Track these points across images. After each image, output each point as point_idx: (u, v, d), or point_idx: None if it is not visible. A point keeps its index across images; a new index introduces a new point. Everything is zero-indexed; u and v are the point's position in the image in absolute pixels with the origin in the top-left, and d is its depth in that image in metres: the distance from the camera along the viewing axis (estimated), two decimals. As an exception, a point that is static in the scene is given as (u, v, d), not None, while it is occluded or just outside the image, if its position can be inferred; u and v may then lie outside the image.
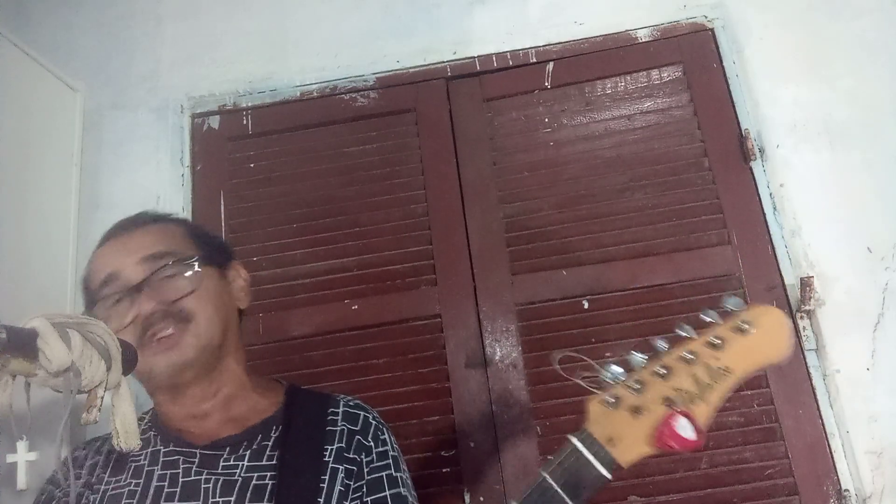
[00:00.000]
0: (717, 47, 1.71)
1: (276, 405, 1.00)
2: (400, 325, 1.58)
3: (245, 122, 1.79)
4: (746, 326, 0.74)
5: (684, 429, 0.69)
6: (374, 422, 1.00)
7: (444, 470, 1.48)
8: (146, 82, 1.85)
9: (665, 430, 0.70)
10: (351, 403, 1.02)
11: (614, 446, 0.71)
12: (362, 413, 1.00)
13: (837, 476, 1.40)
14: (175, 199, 1.72)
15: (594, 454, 0.71)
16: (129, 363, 0.75)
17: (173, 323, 0.91)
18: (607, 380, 0.74)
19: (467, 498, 1.45)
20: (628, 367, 0.74)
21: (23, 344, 0.62)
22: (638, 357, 0.74)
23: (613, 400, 0.73)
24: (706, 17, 1.74)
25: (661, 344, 0.74)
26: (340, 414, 0.99)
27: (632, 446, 0.71)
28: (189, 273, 0.95)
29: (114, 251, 0.96)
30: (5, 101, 1.52)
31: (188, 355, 0.92)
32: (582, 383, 0.76)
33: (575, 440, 0.72)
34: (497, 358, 1.54)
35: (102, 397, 0.71)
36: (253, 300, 1.61)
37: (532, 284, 1.58)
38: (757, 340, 0.74)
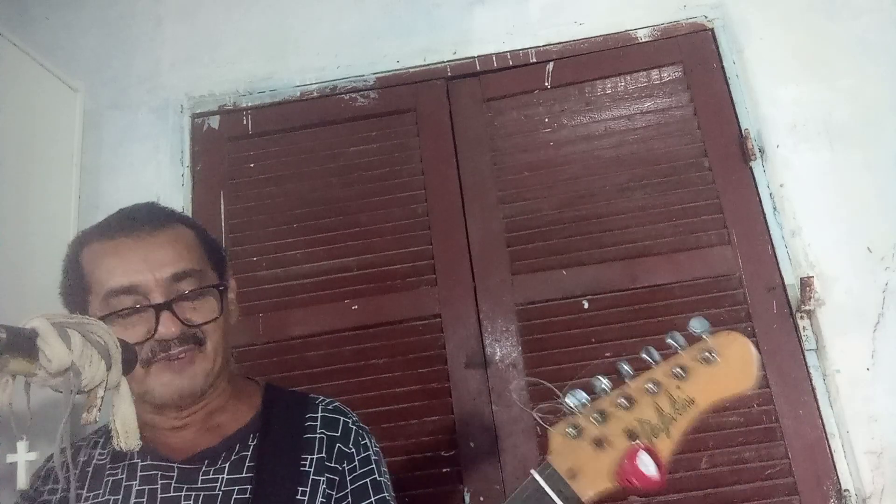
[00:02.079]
0: (717, 47, 1.71)
1: (254, 410, 0.97)
2: (400, 325, 1.58)
3: (245, 122, 1.79)
4: (711, 355, 0.71)
5: (646, 466, 0.68)
6: (353, 427, 0.97)
7: (444, 470, 1.48)
8: (146, 82, 1.86)
9: (627, 466, 0.68)
10: (329, 407, 0.99)
11: (576, 480, 0.69)
12: (342, 418, 0.98)
13: (837, 476, 1.40)
14: (175, 199, 1.72)
15: (555, 489, 0.69)
16: (129, 363, 0.75)
17: (189, 346, 0.89)
18: (569, 408, 0.72)
19: (467, 498, 1.45)
20: (592, 393, 0.72)
21: (23, 344, 0.62)
22: (602, 382, 0.72)
23: (575, 431, 0.71)
24: (706, 17, 1.74)
25: (625, 369, 0.72)
26: (319, 420, 0.96)
27: (593, 480, 0.69)
28: (213, 300, 0.93)
29: (133, 259, 0.89)
30: (5, 101, 1.52)
31: (198, 382, 0.90)
32: (537, 417, 0.73)
33: (536, 475, 0.70)
34: (497, 358, 1.54)
35: (102, 397, 0.71)
36: (253, 300, 1.64)
37: (532, 284, 1.58)
38: (722, 370, 0.71)
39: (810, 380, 1.45)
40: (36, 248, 1.53)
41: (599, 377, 0.72)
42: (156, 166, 1.77)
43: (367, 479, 0.93)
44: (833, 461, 1.41)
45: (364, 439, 0.97)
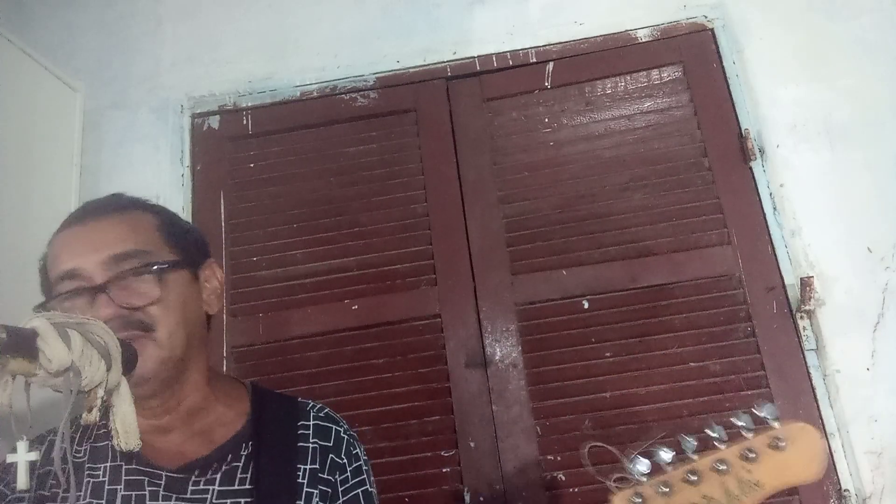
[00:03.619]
0: (717, 47, 1.71)
1: (243, 416, 0.94)
2: (400, 325, 1.58)
3: (245, 122, 1.79)
4: (782, 444, 0.73)
5: None
6: (345, 436, 0.97)
7: (444, 470, 1.48)
8: (146, 82, 1.86)
9: None
10: (321, 415, 0.98)
11: None
12: (334, 426, 0.97)
13: (837, 476, 1.40)
14: (175, 199, 1.72)
15: None
16: (129, 363, 0.75)
17: (133, 332, 0.83)
18: (634, 477, 0.73)
19: (467, 498, 1.45)
20: (655, 464, 0.74)
21: (23, 344, 0.62)
22: (665, 455, 0.74)
23: (640, 500, 0.72)
24: (706, 17, 1.74)
25: (690, 443, 0.74)
26: (311, 428, 0.95)
27: None
28: (156, 278, 0.86)
29: (77, 243, 0.87)
30: (5, 101, 1.52)
31: (148, 369, 0.83)
32: (612, 487, 0.74)
33: None
34: (497, 358, 1.54)
35: (102, 397, 0.71)
36: (253, 300, 1.64)
37: (532, 284, 1.58)
38: (791, 458, 0.73)
39: (810, 380, 1.45)
40: (36, 249, 1.53)
41: (663, 449, 0.74)
42: (156, 166, 1.77)
43: (359, 490, 0.93)
44: (833, 461, 1.41)
45: (355, 449, 0.97)
